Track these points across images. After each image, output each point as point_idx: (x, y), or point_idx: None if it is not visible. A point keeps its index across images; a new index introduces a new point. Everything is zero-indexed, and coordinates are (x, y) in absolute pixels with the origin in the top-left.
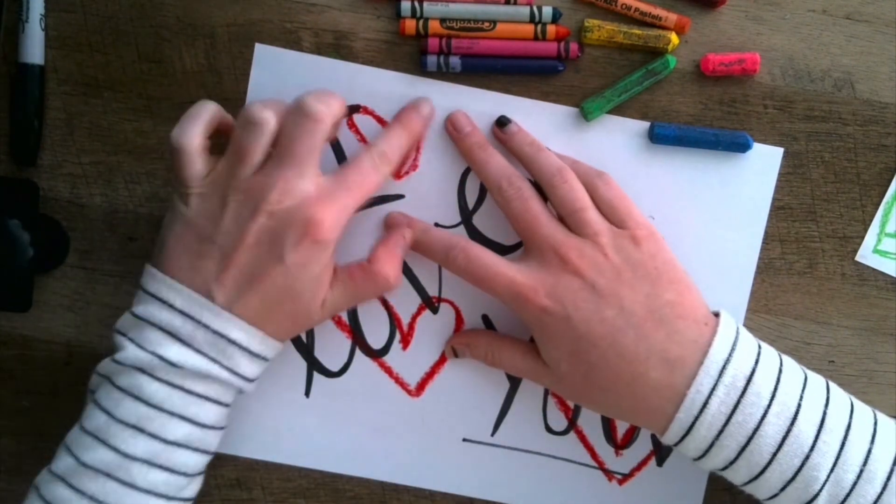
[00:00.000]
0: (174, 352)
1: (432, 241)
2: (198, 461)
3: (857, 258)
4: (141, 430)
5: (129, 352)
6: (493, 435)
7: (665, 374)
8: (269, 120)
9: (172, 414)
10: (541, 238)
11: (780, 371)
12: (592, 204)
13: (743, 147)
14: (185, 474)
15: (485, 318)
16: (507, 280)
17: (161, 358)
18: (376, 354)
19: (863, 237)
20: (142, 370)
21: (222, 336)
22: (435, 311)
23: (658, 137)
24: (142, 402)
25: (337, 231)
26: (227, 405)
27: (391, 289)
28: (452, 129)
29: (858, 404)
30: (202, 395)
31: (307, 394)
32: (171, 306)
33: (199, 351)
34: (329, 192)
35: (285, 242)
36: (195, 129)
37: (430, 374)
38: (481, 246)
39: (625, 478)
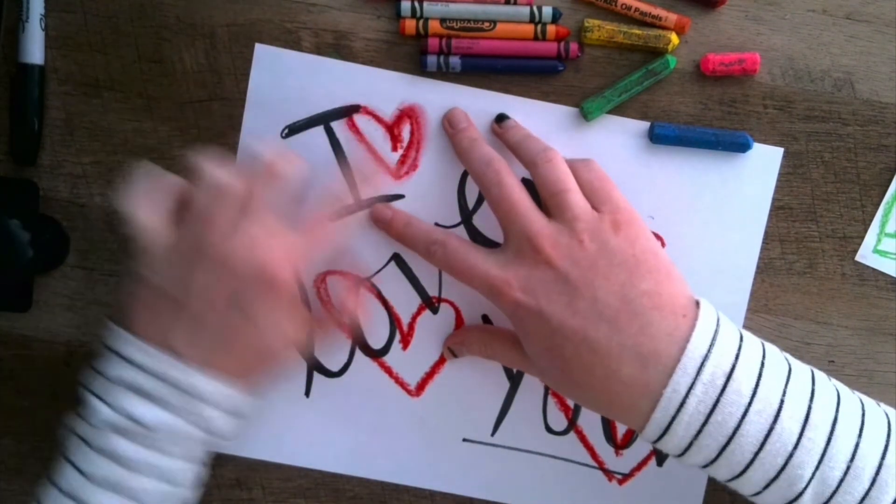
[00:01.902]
0: (148, 413)
1: (414, 235)
2: None
3: (857, 258)
4: (116, 491)
5: (102, 412)
6: (493, 435)
7: (639, 371)
8: (233, 181)
9: (148, 474)
10: (517, 226)
11: (763, 365)
12: (577, 187)
13: (743, 147)
14: None
15: (485, 318)
16: (482, 272)
17: (134, 419)
18: (376, 354)
19: (863, 237)
20: (116, 431)
21: (194, 395)
22: (435, 311)
23: (658, 137)
24: (116, 463)
25: (298, 282)
26: (203, 463)
27: (360, 330)
28: (448, 126)
29: (845, 394)
30: (177, 453)
31: (307, 394)
32: (142, 367)
33: (171, 411)
34: (294, 246)
35: (253, 300)
36: (143, 195)
37: (430, 374)
38: (462, 239)
39: (625, 478)
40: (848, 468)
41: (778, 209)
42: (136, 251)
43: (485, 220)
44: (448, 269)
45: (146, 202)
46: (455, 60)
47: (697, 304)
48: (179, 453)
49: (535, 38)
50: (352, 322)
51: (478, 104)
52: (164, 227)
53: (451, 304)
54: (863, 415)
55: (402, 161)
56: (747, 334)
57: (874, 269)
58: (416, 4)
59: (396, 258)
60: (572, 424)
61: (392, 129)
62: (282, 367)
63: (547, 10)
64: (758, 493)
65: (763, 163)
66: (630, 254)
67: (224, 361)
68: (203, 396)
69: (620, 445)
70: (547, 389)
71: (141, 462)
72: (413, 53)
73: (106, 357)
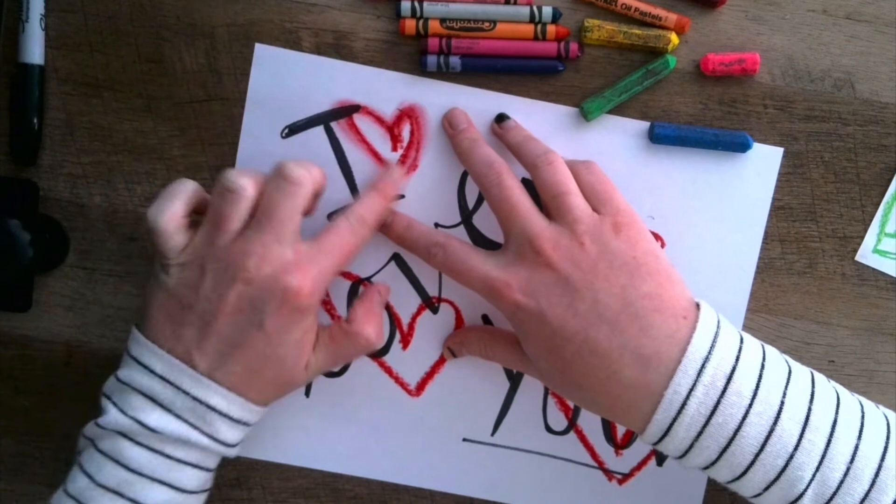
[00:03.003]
0: (154, 417)
1: (414, 238)
2: None
3: (857, 258)
4: (121, 495)
5: (111, 416)
6: (493, 435)
7: (639, 372)
8: (247, 187)
9: (153, 479)
10: (517, 228)
11: (763, 367)
12: (577, 189)
13: (743, 147)
14: None
15: (485, 319)
16: (482, 274)
17: (141, 423)
18: (376, 354)
19: (863, 237)
20: (123, 434)
21: (202, 403)
22: (435, 311)
23: (658, 137)
24: (122, 466)
25: (317, 296)
26: (208, 470)
27: (372, 348)
28: (448, 126)
29: (845, 396)
30: (182, 460)
31: (307, 394)
32: (152, 372)
33: (179, 417)
34: (308, 257)
35: (265, 309)
36: (171, 209)
37: (429, 374)
38: (462, 241)
39: (625, 478)
40: (848, 469)
41: (778, 209)
42: (154, 254)
43: (485, 221)
44: (448, 272)
45: (167, 207)
46: (455, 60)
47: (698, 306)
48: (186, 460)
49: (535, 38)
50: (365, 341)
51: (478, 104)
52: (180, 230)
53: (451, 304)
54: (862, 417)
55: (402, 161)
56: (747, 336)
57: (874, 269)
58: (416, 4)
59: (396, 258)
60: (572, 424)
61: (392, 129)
62: (293, 382)
63: (547, 10)
64: (758, 495)
65: (763, 163)
66: (631, 256)
67: (233, 369)
68: (211, 405)
69: (620, 445)
70: (547, 389)
71: (146, 467)
72: (413, 53)
73: (124, 361)
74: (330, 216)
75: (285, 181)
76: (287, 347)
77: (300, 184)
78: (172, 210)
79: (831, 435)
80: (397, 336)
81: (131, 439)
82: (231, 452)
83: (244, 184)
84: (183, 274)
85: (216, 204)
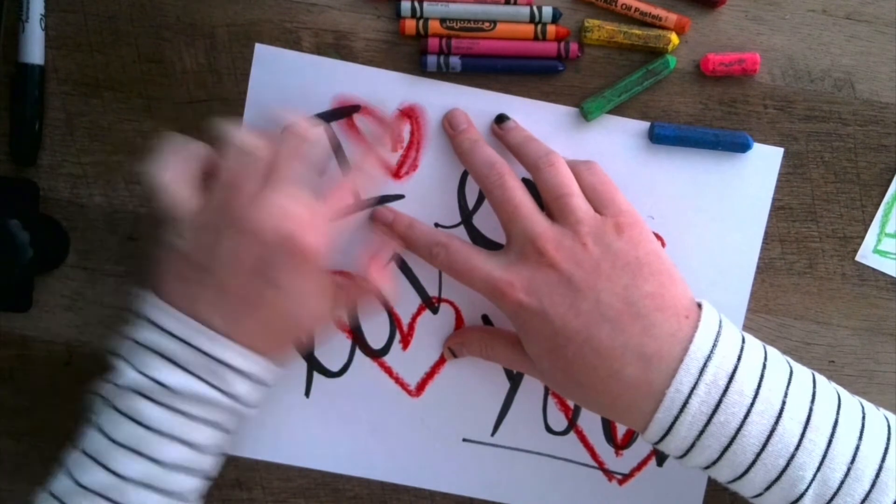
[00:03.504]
0: (171, 376)
1: (416, 237)
2: (193, 485)
3: (857, 258)
4: (138, 453)
5: (128, 375)
6: (493, 435)
7: (641, 371)
8: (261, 147)
9: (170, 436)
10: (520, 228)
11: (765, 366)
12: (579, 191)
13: (743, 147)
14: (180, 498)
15: (485, 318)
16: (484, 274)
17: (158, 382)
18: (376, 354)
19: (863, 237)
20: (140, 393)
21: (219, 361)
22: (435, 311)
23: (658, 137)
24: (140, 424)
25: (328, 249)
26: (225, 430)
27: (383, 297)
28: (448, 127)
29: (846, 397)
30: (200, 417)
31: (307, 394)
32: (169, 333)
33: (196, 375)
34: (322, 214)
35: (280, 267)
36: (171, 163)
37: (429, 374)
38: (463, 241)
39: (625, 478)
40: (848, 470)
41: (778, 209)
42: (164, 219)
43: (485, 221)
44: (450, 272)
45: (174, 170)
46: (455, 60)
47: (700, 306)
48: (203, 419)
49: (535, 38)
50: (377, 294)
51: (478, 104)
52: (191, 194)
53: (451, 304)
54: (863, 417)
55: (402, 161)
56: (749, 336)
57: (874, 269)
58: (416, 4)
59: (396, 258)
60: (572, 424)
61: (392, 129)
62: (309, 337)
63: (547, 10)
64: (759, 495)
65: (763, 163)
66: (633, 256)
67: (249, 328)
68: (227, 362)
69: (620, 445)
70: (547, 389)
71: (164, 425)
72: (413, 53)
73: (134, 322)
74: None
75: (298, 139)
76: (302, 304)
77: (313, 142)
78: (177, 174)
79: (832, 435)
80: (397, 336)
81: (149, 398)
82: (250, 412)
83: (258, 144)
84: (198, 237)
85: (229, 165)
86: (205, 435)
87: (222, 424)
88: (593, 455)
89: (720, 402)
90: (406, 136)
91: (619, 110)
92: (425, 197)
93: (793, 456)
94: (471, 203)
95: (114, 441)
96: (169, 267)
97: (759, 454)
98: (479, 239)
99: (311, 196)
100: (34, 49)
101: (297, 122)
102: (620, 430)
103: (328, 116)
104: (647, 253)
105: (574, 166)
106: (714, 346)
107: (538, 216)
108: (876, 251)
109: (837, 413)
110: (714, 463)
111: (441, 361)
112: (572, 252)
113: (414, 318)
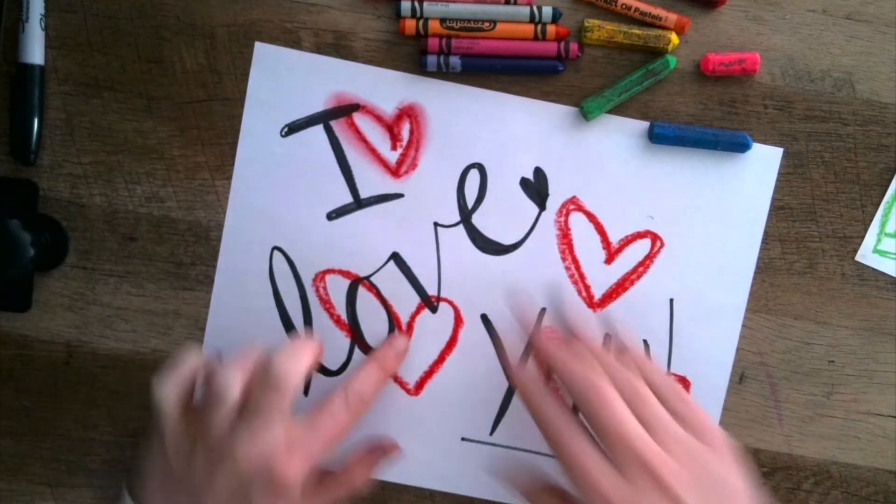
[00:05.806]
0: None
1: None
2: None
3: (857, 258)
4: None
5: None
6: (491, 434)
7: None
8: (233, 388)
9: None
10: (632, 453)
11: None
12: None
13: (743, 147)
14: None
15: (484, 318)
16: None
17: None
18: None
19: (863, 237)
20: None
21: None
22: (434, 310)
23: (658, 137)
24: None
25: (304, 475)
26: None
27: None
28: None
29: None
30: None
31: (307, 393)
32: None
33: None
34: (299, 440)
35: (252, 494)
36: (174, 386)
37: (428, 374)
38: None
39: None
40: None
41: (778, 209)
42: (155, 428)
43: (484, 220)
44: (561, 459)
45: (172, 388)
46: (455, 60)
47: None
48: None
49: (535, 38)
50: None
51: (478, 104)
52: (179, 412)
53: (451, 303)
54: None
55: (401, 160)
56: None
57: (874, 269)
58: (416, 4)
59: (395, 257)
60: None
61: (391, 128)
62: None
63: (547, 10)
64: None
65: (763, 163)
66: (729, 491)
67: None
68: None
69: None
70: None
71: None
72: (413, 53)
73: None
74: (330, 216)
75: (274, 378)
76: None
77: (288, 381)
78: (173, 388)
79: None
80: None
81: None
82: None
83: (230, 386)
84: (179, 446)
85: (207, 394)
86: None
87: None
88: None
89: None
90: (405, 135)
91: (618, 110)
92: (425, 196)
93: None
94: (470, 202)
95: None
96: (151, 467)
97: None
98: (478, 238)
99: (289, 418)
100: (34, 49)
101: (274, 360)
102: None
103: (328, 115)
104: (737, 484)
105: (660, 392)
106: None
107: (660, 455)
108: (876, 251)
109: None
110: None
111: (439, 360)
112: (680, 476)
113: (413, 318)
